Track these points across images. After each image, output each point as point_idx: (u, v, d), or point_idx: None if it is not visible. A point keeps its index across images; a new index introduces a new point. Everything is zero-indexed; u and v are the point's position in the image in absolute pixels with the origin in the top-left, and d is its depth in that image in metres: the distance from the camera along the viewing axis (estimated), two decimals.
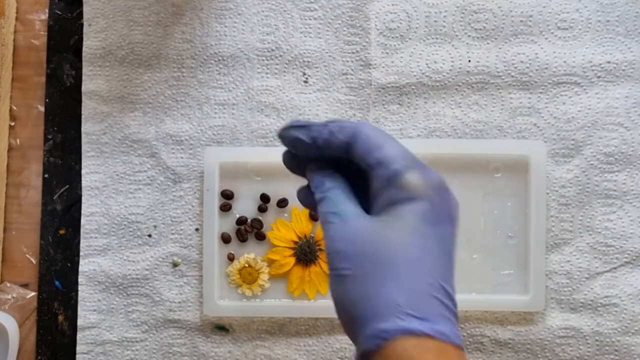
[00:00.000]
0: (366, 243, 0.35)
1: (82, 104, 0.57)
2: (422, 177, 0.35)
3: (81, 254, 0.56)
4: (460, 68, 0.55)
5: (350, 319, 0.35)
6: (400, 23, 0.56)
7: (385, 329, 0.33)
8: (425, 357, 0.33)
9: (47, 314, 0.57)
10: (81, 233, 0.56)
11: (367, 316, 0.34)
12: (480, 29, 0.56)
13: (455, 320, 0.35)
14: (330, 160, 0.39)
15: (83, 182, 0.57)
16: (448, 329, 0.34)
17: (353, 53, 0.56)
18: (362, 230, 0.35)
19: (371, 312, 0.34)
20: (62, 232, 0.57)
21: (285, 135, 0.39)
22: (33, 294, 0.57)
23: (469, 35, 0.56)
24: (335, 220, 0.36)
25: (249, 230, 0.55)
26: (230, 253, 0.55)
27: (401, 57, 0.56)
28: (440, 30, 0.56)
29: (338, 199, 0.37)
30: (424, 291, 0.34)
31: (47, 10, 0.58)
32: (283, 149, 0.40)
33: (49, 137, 0.58)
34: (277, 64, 0.56)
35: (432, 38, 0.56)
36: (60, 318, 0.57)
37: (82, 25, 0.57)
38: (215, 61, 0.57)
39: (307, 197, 0.40)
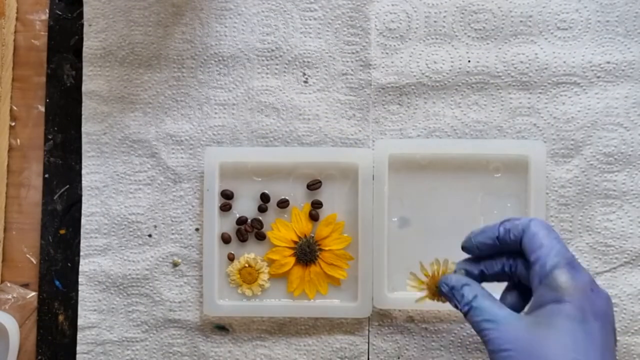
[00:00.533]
0: (524, 341, 0.38)
1: (83, 104, 0.57)
2: (569, 278, 0.39)
3: (81, 254, 0.56)
4: (460, 68, 0.55)
5: None
6: (400, 23, 0.56)
7: None
8: None
9: (47, 314, 0.57)
10: (81, 233, 0.56)
11: None
12: (480, 29, 0.56)
13: None
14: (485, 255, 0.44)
15: (83, 182, 0.57)
16: None
17: (353, 53, 0.56)
18: (518, 330, 0.39)
19: None
20: (62, 232, 0.57)
21: (469, 245, 0.44)
22: (33, 294, 0.57)
23: (469, 36, 0.56)
24: (490, 327, 0.40)
25: (249, 230, 0.55)
26: (230, 253, 0.55)
27: (401, 57, 0.56)
28: (440, 30, 0.56)
29: (485, 306, 0.41)
30: None
31: (47, 11, 0.58)
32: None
33: (49, 137, 0.58)
34: (277, 64, 0.56)
35: (432, 38, 0.56)
36: (61, 318, 0.57)
37: (82, 25, 0.57)
38: (215, 61, 0.57)
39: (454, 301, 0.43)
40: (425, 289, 0.48)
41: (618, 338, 0.54)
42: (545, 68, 0.55)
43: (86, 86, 0.57)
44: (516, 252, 0.43)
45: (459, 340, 0.54)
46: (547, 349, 0.38)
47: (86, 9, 0.57)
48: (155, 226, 0.56)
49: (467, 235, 0.45)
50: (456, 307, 0.43)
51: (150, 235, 0.56)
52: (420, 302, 0.47)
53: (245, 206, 0.55)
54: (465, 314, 0.42)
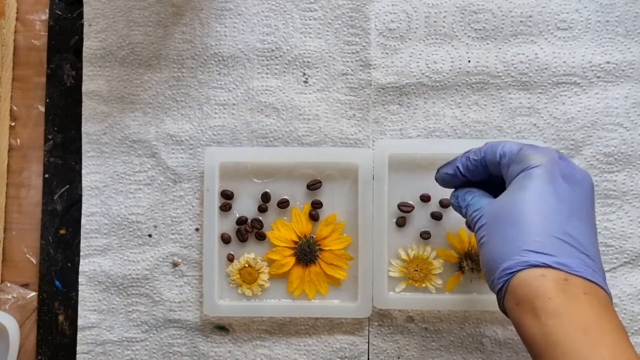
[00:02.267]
0: (495, 211, 0.41)
1: (83, 104, 0.57)
2: (534, 150, 0.41)
3: (81, 254, 0.56)
4: (460, 68, 0.55)
5: (487, 274, 0.40)
6: (400, 23, 0.56)
7: (509, 265, 0.38)
8: (545, 284, 0.36)
9: (47, 314, 0.57)
10: (81, 233, 0.56)
11: (497, 264, 0.39)
12: (480, 29, 0.56)
13: (590, 261, 0.38)
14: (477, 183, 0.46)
15: (83, 182, 0.57)
16: (572, 262, 0.37)
17: (353, 53, 0.56)
18: (493, 205, 0.42)
19: (500, 259, 0.38)
20: (62, 232, 0.57)
21: (437, 177, 0.48)
22: (33, 294, 0.57)
23: (469, 36, 0.56)
24: (478, 214, 0.42)
25: (249, 230, 0.55)
26: (230, 254, 0.55)
27: (401, 57, 0.56)
28: (440, 30, 0.56)
29: (477, 200, 0.44)
30: (545, 235, 0.38)
31: (47, 11, 0.58)
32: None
33: (49, 137, 0.58)
34: (277, 64, 0.56)
35: (432, 38, 0.56)
36: (61, 318, 0.57)
37: (82, 25, 0.57)
38: (215, 61, 0.57)
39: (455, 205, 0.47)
40: (406, 273, 0.53)
41: None
42: (545, 68, 0.55)
43: (86, 86, 0.57)
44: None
45: (459, 340, 0.54)
46: (512, 206, 0.39)
47: (86, 9, 0.57)
48: (155, 226, 0.56)
49: (438, 168, 0.48)
50: (461, 214, 0.45)
51: (150, 235, 0.56)
52: (403, 284, 0.52)
53: (245, 206, 0.55)
54: (465, 215, 0.44)
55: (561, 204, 0.39)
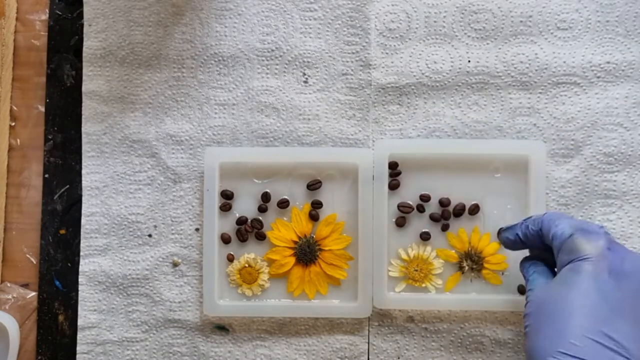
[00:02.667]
0: (540, 302, 0.41)
1: (83, 104, 0.57)
2: (584, 238, 0.41)
3: (81, 254, 0.56)
4: (460, 68, 0.55)
5: None
6: (400, 23, 0.56)
7: None
8: None
9: (47, 314, 0.57)
10: (81, 233, 0.57)
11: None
12: (480, 30, 0.56)
13: None
14: (542, 251, 0.46)
15: (83, 182, 0.57)
16: None
17: (353, 53, 0.56)
18: (541, 293, 0.42)
19: (538, 356, 0.39)
20: (62, 232, 0.57)
21: (500, 240, 0.49)
22: (33, 294, 0.57)
23: (469, 36, 0.56)
24: (529, 297, 0.43)
25: (249, 230, 0.55)
26: (230, 254, 0.55)
27: (401, 58, 0.56)
28: (440, 30, 0.56)
29: (535, 278, 0.44)
30: (581, 337, 0.38)
31: (47, 11, 0.58)
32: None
33: (49, 137, 0.58)
34: (277, 64, 0.56)
35: (432, 38, 0.56)
36: (61, 318, 0.57)
37: (82, 25, 0.57)
38: (215, 61, 0.57)
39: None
40: (405, 273, 0.53)
41: None
42: (545, 68, 0.55)
43: (86, 86, 0.57)
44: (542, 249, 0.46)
45: (459, 340, 0.54)
46: (554, 302, 0.39)
47: (86, 9, 0.57)
48: (155, 226, 0.56)
49: (501, 228, 0.49)
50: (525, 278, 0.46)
51: (150, 235, 0.56)
52: (403, 284, 0.53)
53: (245, 206, 0.55)
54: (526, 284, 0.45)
55: (603, 302, 0.38)
